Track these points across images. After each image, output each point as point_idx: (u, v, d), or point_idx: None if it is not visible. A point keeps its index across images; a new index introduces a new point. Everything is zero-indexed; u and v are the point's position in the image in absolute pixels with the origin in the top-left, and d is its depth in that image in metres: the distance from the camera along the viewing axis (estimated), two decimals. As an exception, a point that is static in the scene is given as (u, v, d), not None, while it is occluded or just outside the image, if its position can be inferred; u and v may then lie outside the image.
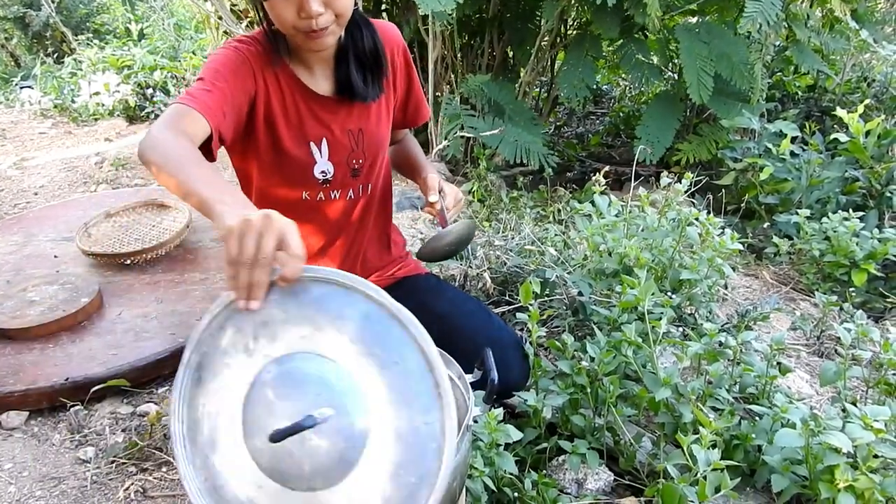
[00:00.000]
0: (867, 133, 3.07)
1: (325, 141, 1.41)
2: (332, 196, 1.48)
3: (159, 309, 2.24)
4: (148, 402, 1.96)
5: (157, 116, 5.30)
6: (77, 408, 1.87)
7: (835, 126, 3.65)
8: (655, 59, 3.78)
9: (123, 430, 1.85)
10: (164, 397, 1.98)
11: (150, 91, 5.56)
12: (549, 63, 4.34)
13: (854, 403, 1.54)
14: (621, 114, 5.29)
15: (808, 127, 3.57)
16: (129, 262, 2.49)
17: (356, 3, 1.28)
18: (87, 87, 5.77)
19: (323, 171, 1.44)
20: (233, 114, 1.26)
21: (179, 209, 2.79)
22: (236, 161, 1.46)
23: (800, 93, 4.42)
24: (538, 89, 4.66)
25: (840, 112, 3.11)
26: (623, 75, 5.30)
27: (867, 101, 3.53)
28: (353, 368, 0.89)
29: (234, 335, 0.95)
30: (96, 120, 5.36)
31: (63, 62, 7.10)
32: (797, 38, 3.73)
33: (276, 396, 0.91)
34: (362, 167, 1.49)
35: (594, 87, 4.22)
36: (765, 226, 3.13)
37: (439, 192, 1.50)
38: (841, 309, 2.30)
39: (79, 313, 2.17)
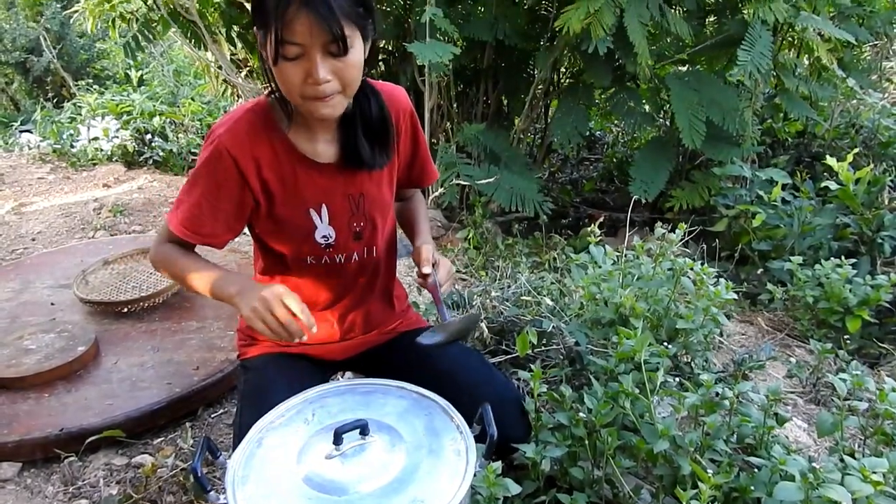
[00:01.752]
0: (857, 181, 3.11)
1: (324, 207, 1.42)
2: (337, 259, 1.48)
3: (156, 358, 2.23)
4: (143, 453, 1.94)
5: (155, 162, 5.36)
6: (71, 459, 1.86)
7: (825, 173, 3.70)
8: (647, 107, 3.85)
9: (118, 482, 1.83)
10: (159, 448, 1.96)
11: (148, 136, 5.62)
12: (542, 111, 4.42)
13: (852, 454, 1.54)
14: (614, 159, 5.35)
15: (798, 174, 3.63)
16: (126, 310, 2.49)
17: (365, 72, 1.29)
18: (87, 132, 5.84)
19: (325, 236, 1.44)
20: (221, 212, 1.38)
21: (177, 256, 2.80)
22: (249, 229, 1.49)
23: (790, 139, 4.50)
24: (532, 136, 4.73)
25: (830, 161, 3.17)
26: (616, 122, 5.38)
27: (857, 150, 3.60)
28: (393, 421, 1.22)
29: (296, 415, 1.26)
30: (94, 165, 5.41)
31: (62, 107, 7.18)
32: (786, 87, 3.81)
33: (332, 427, 1.14)
34: (364, 230, 1.48)
35: (587, 133, 4.30)
36: (758, 272, 3.16)
37: (433, 266, 1.48)
38: (836, 356, 2.30)
39: (75, 362, 2.16)
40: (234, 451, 1.31)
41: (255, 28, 1.24)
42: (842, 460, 1.43)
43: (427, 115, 3.66)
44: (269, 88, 1.33)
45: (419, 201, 1.73)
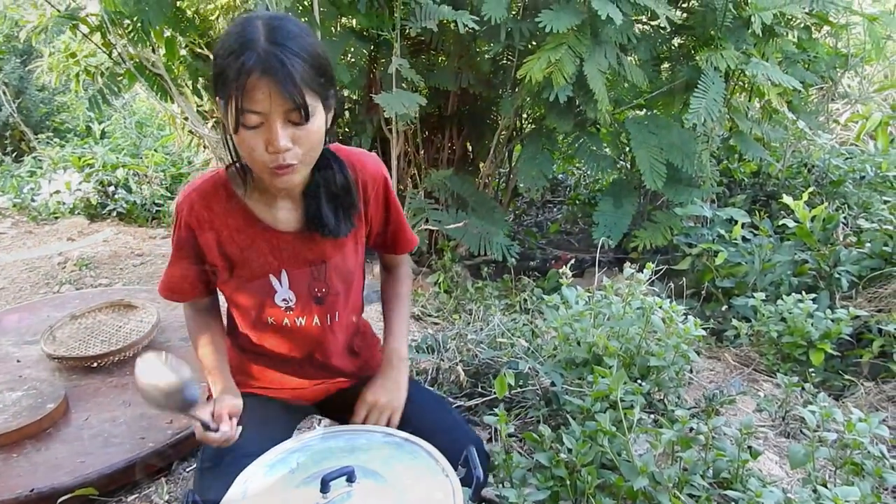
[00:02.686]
0: (812, 218, 3.23)
1: (284, 273, 1.42)
2: (298, 323, 1.47)
3: (128, 412, 2.20)
4: (116, 511, 1.90)
5: (118, 214, 5.33)
6: (42, 520, 1.81)
7: (782, 211, 3.83)
8: (608, 150, 3.95)
9: (91, 543, 1.79)
10: (133, 506, 1.92)
11: (111, 189, 5.58)
12: (507, 156, 4.50)
13: (824, 484, 1.58)
14: (578, 201, 5.46)
15: (756, 212, 3.74)
16: (95, 364, 2.46)
17: (326, 141, 1.29)
18: (48, 185, 5.77)
19: (285, 300, 1.44)
20: (194, 274, 1.45)
21: (146, 309, 2.78)
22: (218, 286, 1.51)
23: (745, 179, 4.65)
24: (498, 181, 4.81)
25: (787, 199, 3.29)
26: (578, 165, 5.50)
27: (811, 189, 3.74)
28: (378, 467, 1.21)
29: (280, 464, 1.24)
30: (56, 218, 5.35)
31: (22, 161, 7.10)
32: (740, 129, 3.95)
33: (318, 475, 1.14)
34: (326, 296, 1.47)
35: (551, 176, 4.39)
36: (723, 308, 3.23)
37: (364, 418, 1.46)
38: (802, 389, 2.36)
39: (44, 420, 2.12)
40: (194, 487, 1.35)
41: (216, 97, 1.23)
42: (815, 491, 1.47)
43: (394, 163, 3.71)
44: (230, 159, 1.35)
45: (398, 283, 1.68)
